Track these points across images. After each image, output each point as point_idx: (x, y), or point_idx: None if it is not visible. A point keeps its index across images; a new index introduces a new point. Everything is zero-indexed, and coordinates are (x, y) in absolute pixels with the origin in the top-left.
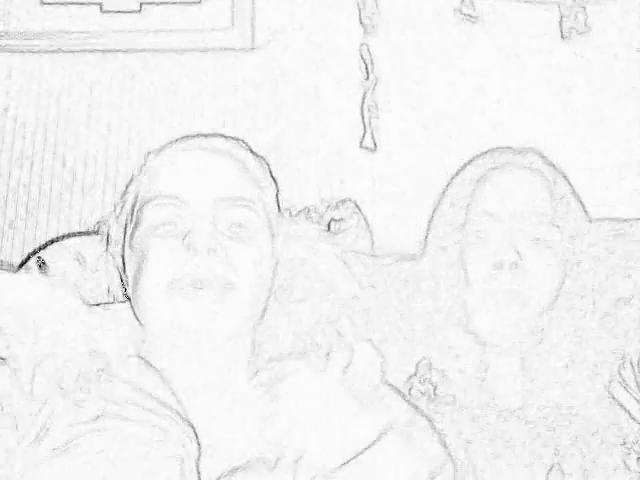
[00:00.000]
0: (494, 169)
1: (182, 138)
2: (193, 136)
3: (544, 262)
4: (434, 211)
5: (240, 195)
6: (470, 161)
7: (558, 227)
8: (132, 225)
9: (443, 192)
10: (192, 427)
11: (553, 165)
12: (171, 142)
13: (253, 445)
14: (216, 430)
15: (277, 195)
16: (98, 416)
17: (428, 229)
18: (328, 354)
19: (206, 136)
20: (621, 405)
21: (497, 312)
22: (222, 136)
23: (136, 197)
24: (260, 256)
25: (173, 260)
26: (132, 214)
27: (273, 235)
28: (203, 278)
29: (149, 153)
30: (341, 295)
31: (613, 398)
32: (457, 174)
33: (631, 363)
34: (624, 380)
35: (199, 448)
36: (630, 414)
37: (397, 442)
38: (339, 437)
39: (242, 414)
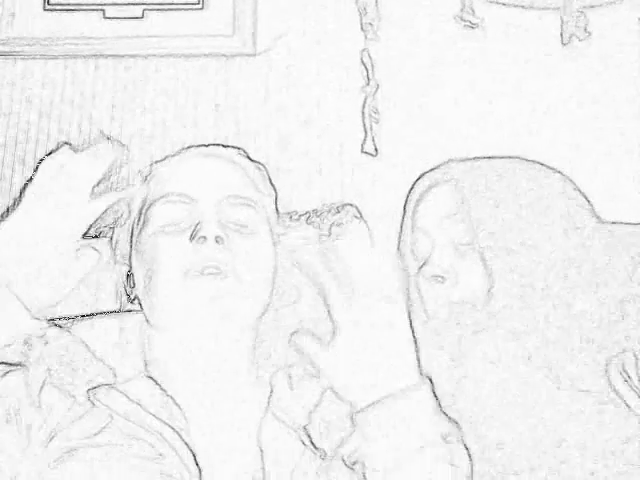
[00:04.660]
0: (430, 187)
1: (185, 149)
2: (195, 146)
3: (469, 268)
4: (401, 226)
5: (242, 194)
6: (417, 179)
7: (480, 229)
8: (139, 227)
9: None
10: (192, 452)
11: (536, 163)
12: (174, 154)
13: (251, 464)
14: (216, 449)
15: (276, 201)
16: (102, 428)
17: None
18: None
19: (207, 146)
20: (621, 397)
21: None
22: (222, 145)
23: (144, 201)
24: (263, 251)
25: (184, 253)
26: (139, 216)
27: (273, 238)
28: (213, 265)
29: (155, 162)
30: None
31: (614, 390)
32: (408, 196)
33: (634, 355)
34: (625, 371)
35: (198, 471)
36: (629, 407)
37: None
38: None
39: (243, 428)
